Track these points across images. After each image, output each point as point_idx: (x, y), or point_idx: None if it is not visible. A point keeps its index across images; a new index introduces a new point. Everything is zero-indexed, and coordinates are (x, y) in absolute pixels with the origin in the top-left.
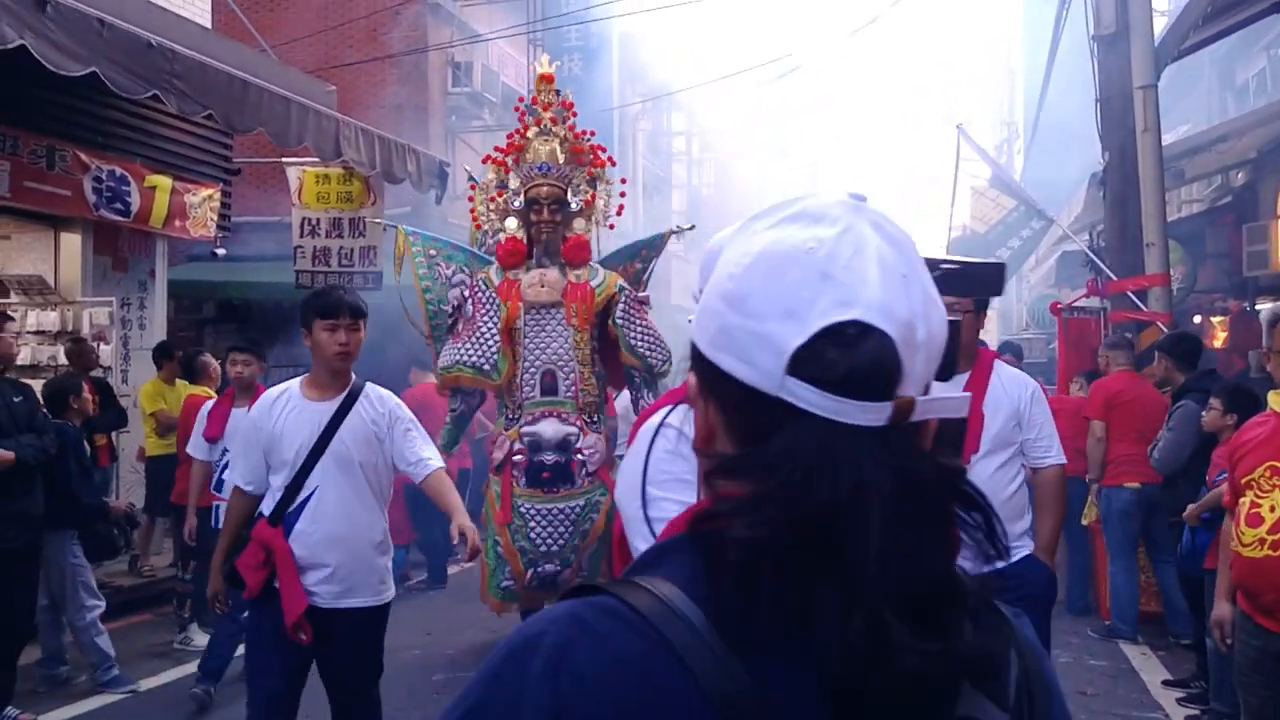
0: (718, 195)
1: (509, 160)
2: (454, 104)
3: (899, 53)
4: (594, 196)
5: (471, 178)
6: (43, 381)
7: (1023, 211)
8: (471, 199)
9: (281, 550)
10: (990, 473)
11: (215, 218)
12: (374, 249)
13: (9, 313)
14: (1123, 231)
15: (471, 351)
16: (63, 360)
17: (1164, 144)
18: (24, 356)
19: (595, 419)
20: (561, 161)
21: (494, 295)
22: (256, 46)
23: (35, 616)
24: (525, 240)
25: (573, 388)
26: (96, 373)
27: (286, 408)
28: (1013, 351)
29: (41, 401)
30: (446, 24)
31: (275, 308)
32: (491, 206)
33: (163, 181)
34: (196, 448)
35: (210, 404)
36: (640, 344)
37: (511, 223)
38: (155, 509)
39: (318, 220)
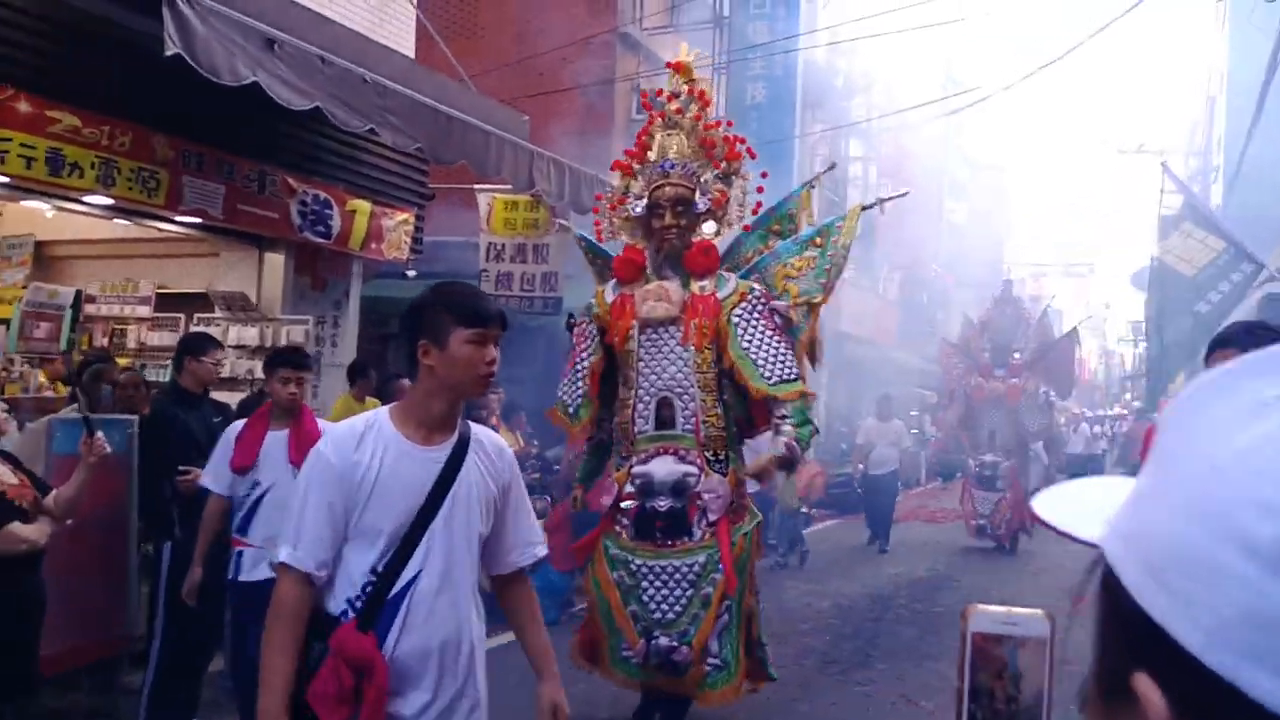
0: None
1: (634, 164)
2: (637, 129)
3: (1082, 81)
4: (725, 194)
5: (600, 187)
6: (240, 395)
7: (1232, 254)
8: (596, 210)
9: (381, 674)
10: None
11: (409, 241)
12: (555, 274)
13: (215, 338)
14: None
15: (567, 387)
16: (259, 375)
17: None
18: (224, 370)
19: (721, 457)
20: (688, 155)
21: (594, 325)
22: (456, 76)
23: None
24: (646, 250)
25: (692, 419)
26: None
27: (382, 453)
28: None
29: (238, 416)
30: (633, 52)
31: None
32: (615, 216)
33: (362, 205)
34: (217, 479)
35: (239, 426)
36: (751, 350)
37: (627, 230)
38: None
39: (503, 245)
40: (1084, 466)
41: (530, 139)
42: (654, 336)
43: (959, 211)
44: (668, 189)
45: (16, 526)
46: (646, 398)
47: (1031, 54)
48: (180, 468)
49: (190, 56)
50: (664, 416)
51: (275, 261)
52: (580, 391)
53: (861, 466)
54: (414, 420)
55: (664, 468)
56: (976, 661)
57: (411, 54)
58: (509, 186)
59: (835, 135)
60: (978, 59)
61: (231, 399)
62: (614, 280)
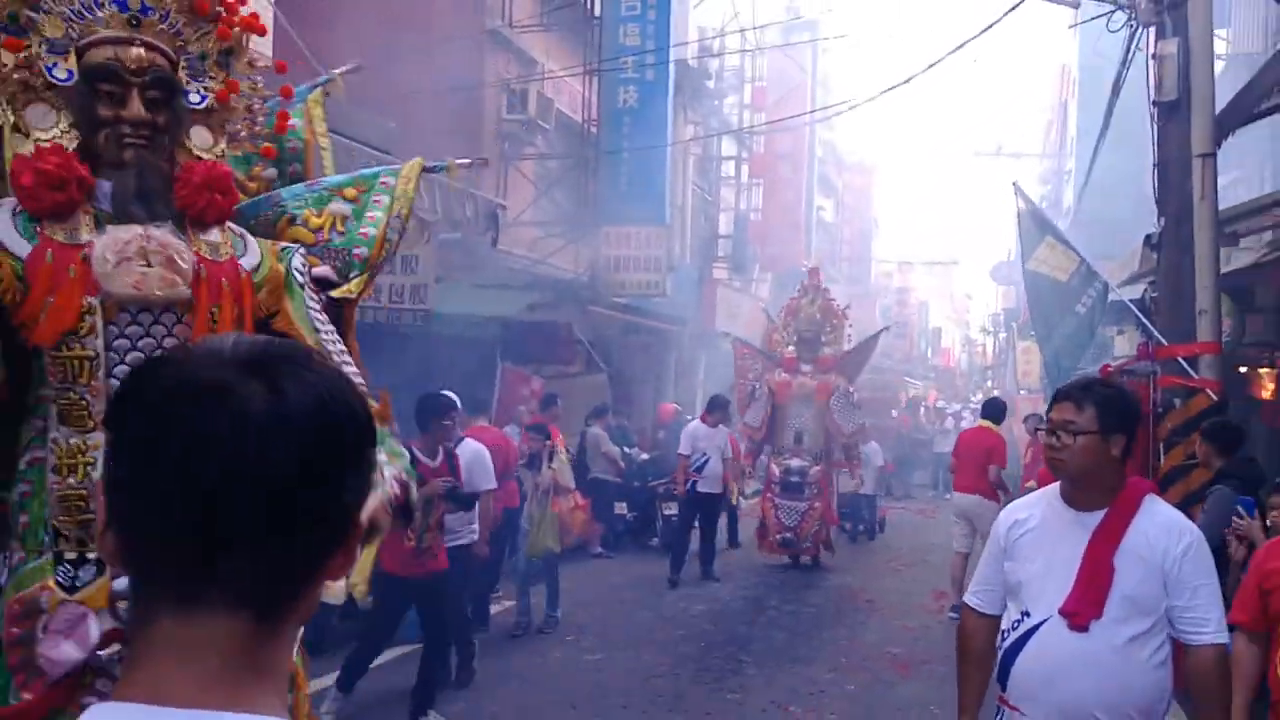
0: (765, 220)
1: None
2: (508, 130)
3: (946, 86)
4: (232, 86)
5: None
6: None
7: (1084, 273)
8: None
9: None
10: (1119, 645)
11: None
12: (425, 286)
13: None
14: (1176, 296)
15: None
16: None
17: (1219, 208)
18: None
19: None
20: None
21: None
22: (314, 76)
23: None
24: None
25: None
26: None
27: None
28: (995, 409)
29: None
30: (503, 50)
31: None
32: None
33: None
34: None
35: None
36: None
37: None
38: None
39: None
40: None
41: (396, 142)
42: (136, 326)
43: (828, 209)
44: (136, 50)
45: None
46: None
47: (897, 63)
48: None
49: None
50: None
51: None
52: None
53: (689, 483)
54: None
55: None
56: None
57: (269, 51)
58: None
59: (707, 131)
60: (846, 65)
61: None
62: (14, 208)
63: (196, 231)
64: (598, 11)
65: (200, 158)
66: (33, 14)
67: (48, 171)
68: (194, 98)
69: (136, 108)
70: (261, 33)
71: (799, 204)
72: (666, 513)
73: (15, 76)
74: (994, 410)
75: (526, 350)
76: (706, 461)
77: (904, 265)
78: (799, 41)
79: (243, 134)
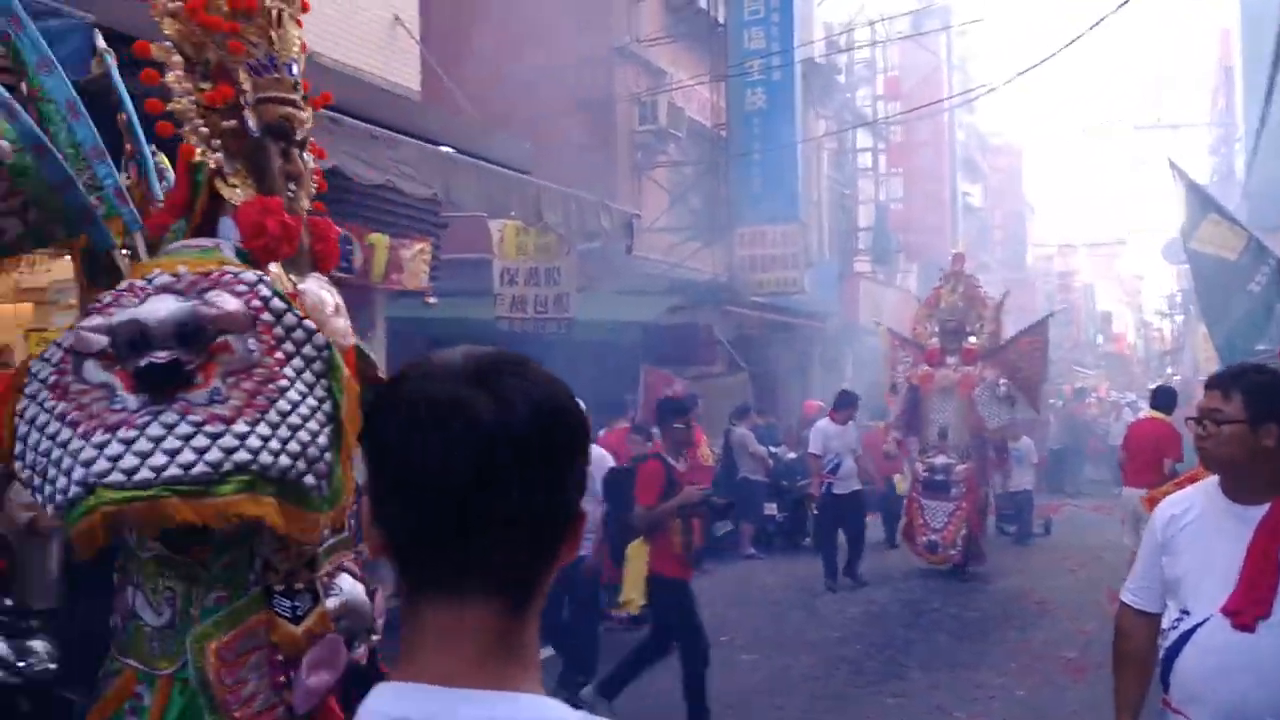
0: (906, 210)
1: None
2: (640, 141)
3: (1096, 61)
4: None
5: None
6: None
7: (1254, 249)
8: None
9: None
10: None
11: (427, 269)
12: (567, 295)
13: None
14: None
15: None
16: None
17: None
18: None
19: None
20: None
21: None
22: (458, 103)
23: None
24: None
25: None
26: None
27: None
28: (1165, 398)
29: None
30: (631, 64)
31: (478, 342)
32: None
33: (380, 239)
34: None
35: None
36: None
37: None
38: None
39: (516, 270)
40: None
41: (533, 161)
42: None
43: (975, 194)
44: (301, 112)
45: None
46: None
47: (1040, 38)
48: None
49: None
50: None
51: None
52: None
53: (824, 484)
54: None
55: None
56: None
57: (417, 85)
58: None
59: (840, 125)
60: (986, 48)
61: None
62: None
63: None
64: (722, 18)
65: (311, 213)
66: (231, 65)
67: (292, 227)
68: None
69: (300, 164)
70: (324, 101)
71: (942, 191)
72: (816, 512)
73: (224, 125)
74: (1164, 399)
75: (668, 353)
76: (839, 463)
77: (1065, 248)
78: (931, 30)
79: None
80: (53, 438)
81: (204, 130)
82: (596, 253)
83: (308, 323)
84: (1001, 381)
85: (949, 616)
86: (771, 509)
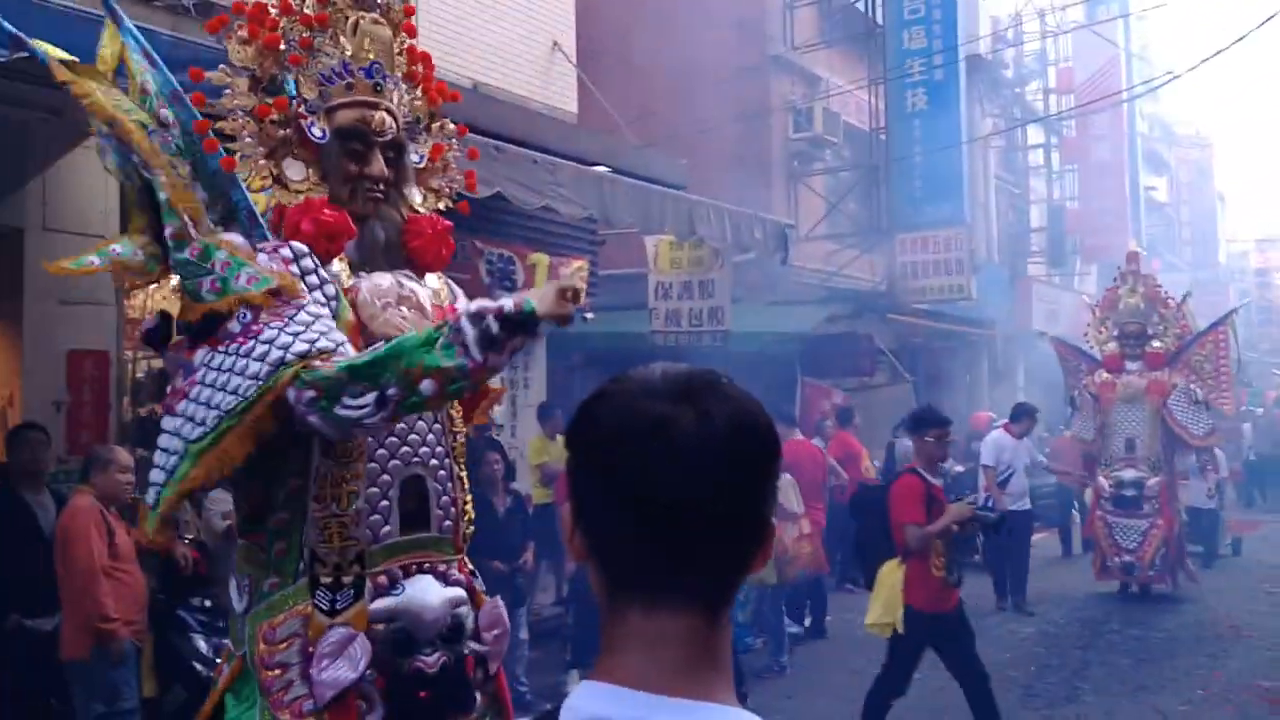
0: (1083, 208)
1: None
2: (795, 148)
3: None
4: (441, 149)
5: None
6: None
7: None
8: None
9: None
10: None
11: (585, 286)
12: (721, 308)
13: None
14: None
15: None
16: None
17: None
18: None
19: None
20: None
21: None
22: (614, 121)
23: None
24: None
25: (451, 509)
26: (492, 432)
27: None
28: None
29: None
30: (786, 72)
31: (634, 356)
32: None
33: (541, 259)
34: None
35: None
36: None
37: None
38: (540, 551)
39: (670, 284)
40: None
41: (689, 176)
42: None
43: (1160, 188)
44: (380, 114)
45: None
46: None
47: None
48: None
49: None
50: (421, 511)
51: None
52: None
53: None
54: None
55: (430, 595)
56: None
57: (574, 108)
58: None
59: (1008, 122)
60: (1167, 29)
61: None
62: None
63: (421, 279)
64: (880, 19)
65: (417, 212)
66: (293, 77)
67: (327, 222)
68: (414, 157)
69: (379, 165)
70: (455, 99)
71: (1122, 187)
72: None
73: (280, 134)
74: None
75: (825, 364)
76: (1010, 475)
77: (1263, 243)
78: (1107, 19)
79: (444, 189)
80: (164, 430)
81: (249, 140)
82: (752, 264)
83: (325, 272)
84: (1193, 385)
85: (1130, 639)
86: None
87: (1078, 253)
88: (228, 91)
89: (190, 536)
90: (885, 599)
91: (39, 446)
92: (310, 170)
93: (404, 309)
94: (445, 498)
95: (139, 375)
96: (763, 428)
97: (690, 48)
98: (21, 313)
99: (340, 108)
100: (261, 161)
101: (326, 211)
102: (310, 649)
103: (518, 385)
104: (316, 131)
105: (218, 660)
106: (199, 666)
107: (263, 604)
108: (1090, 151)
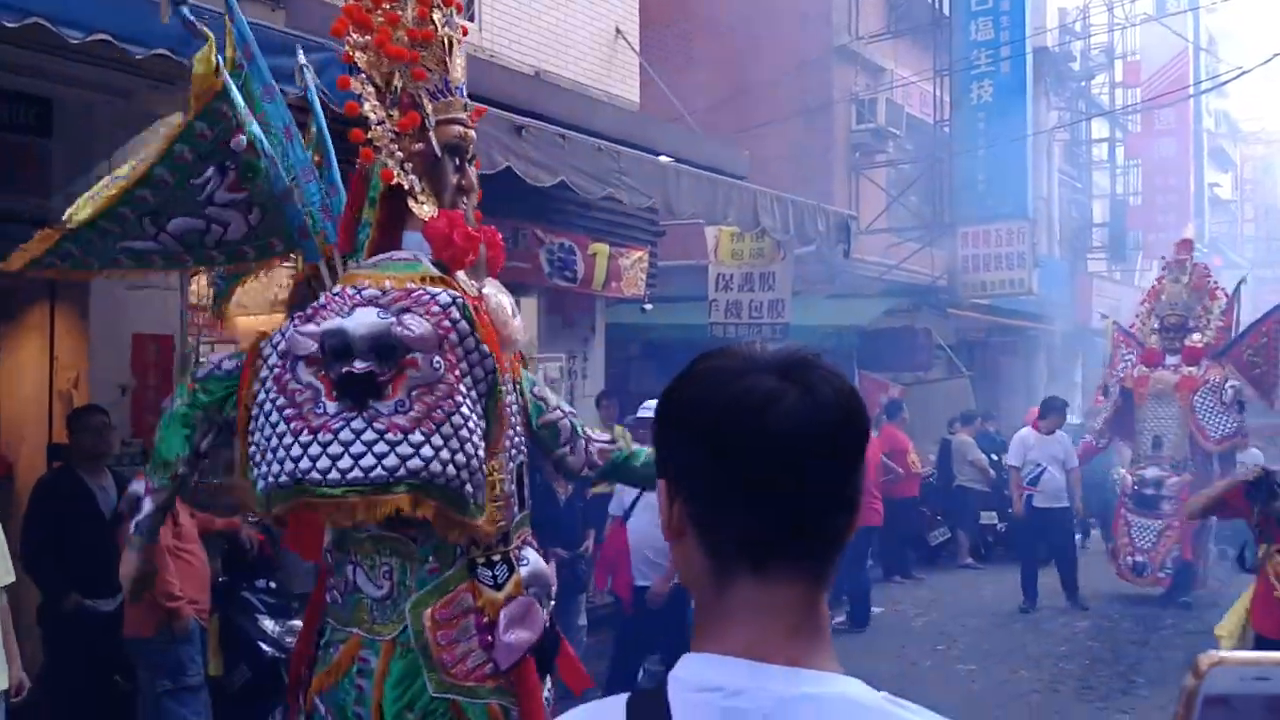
0: (1146, 204)
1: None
2: (857, 140)
3: None
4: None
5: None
6: None
7: None
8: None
9: None
10: None
11: (645, 276)
12: (782, 301)
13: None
14: None
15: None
16: None
17: None
18: None
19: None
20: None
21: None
22: (677, 112)
23: None
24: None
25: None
26: None
27: None
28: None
29: None
30: (850, 64)
31: (693, 348)
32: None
33: (602, 249)
34: None
35: None
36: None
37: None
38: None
39: (731, 275)
40: None
41: (751, 167)
42: (505, 373)
43: (1224, 185)
44: (471, 131)
45: None
46: (510, 466)
47: None
48: None
49: None
50: (522, 492)
51: (529, 305)
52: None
53: (1024, 497)
54: None
55: (543, 563)
56: None
57: (636, 97)
58: None
59: (1074, 116)
60: (1238, 22)
61: None
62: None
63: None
64: (946, 10)
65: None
66: (415, 92)
67: (476, 236)
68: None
69: (473, 178)
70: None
71: (1186, 183)
72: (1002, 527)
73: (415, 148)
74: None
75: (883, 357)
76: (1042, 472)
77: None
78: (1177, 12)
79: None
80: (273, 427)
81: (399, 155)
82: (812, 256)
83: (483, 347)
84: (1230, 384)
85: (1185, 634)
86: (991, 518)
87: (1140, 248)
88: (369, 104)
89: (255, 518)
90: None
91: (103, 429)
92: (424, 184)
93: (517, 319)
94: (528, 481)
95: (202, 359)
96: (859, 404)
97: (755, 38)
98: (88, 295)
99: (446, 123)
100: (413, 178)
101: (465, 224)
102: (484, 619)
103: (576, 376)
104: (436, 146)
105: (289, 640)
106: (264, 646)
107: (424, 589)
108: (1155, 146)
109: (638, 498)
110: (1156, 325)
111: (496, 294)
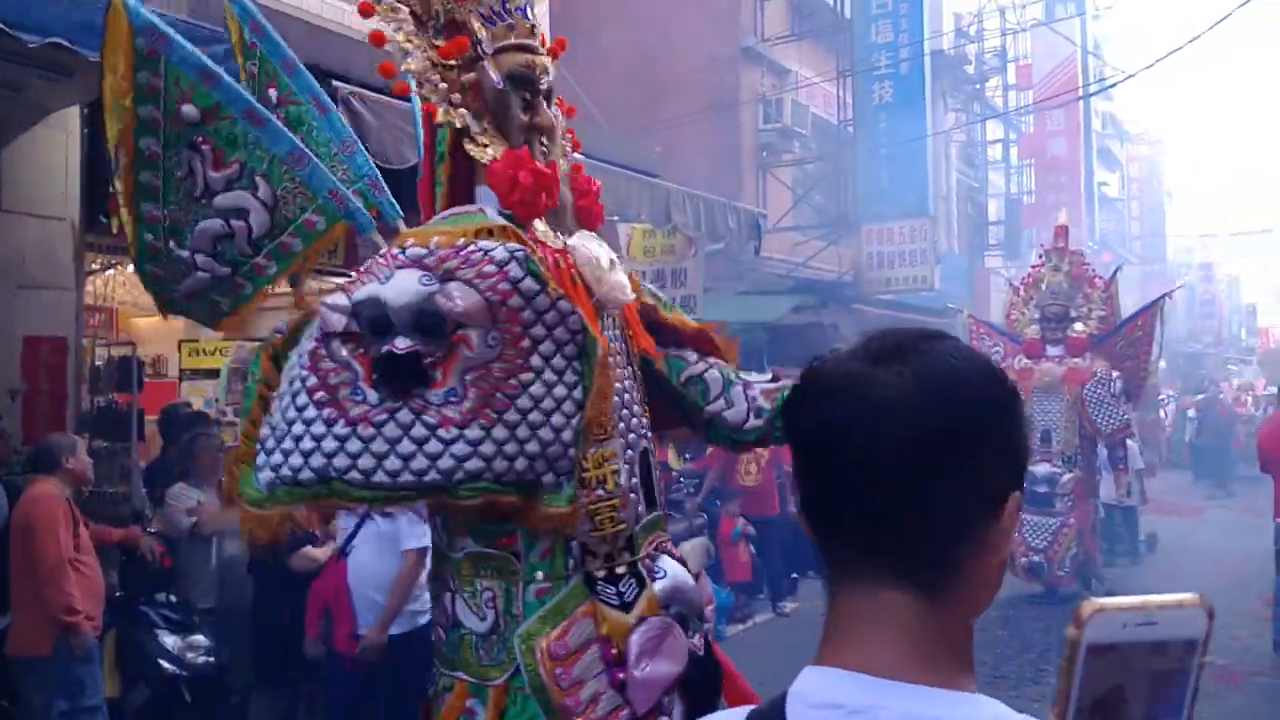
0: (1039, 202)
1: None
2: (764, 140)
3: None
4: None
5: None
6: None
7: None
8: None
9: None
10: None
11: None
12: (694, 297)
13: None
14: None
15: None
16: None
17: None
18: None
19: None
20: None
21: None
22: (587, 112)
23: None
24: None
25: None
26: None
27: None
28: None
29: None
30: (757, 64)
31: None
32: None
33: None
34: None
35: None
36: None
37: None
38: None
39: (643, 272)
40: None
41: (661, 164)
42: (612, 340)
43: (1112, 184)
44: (543, 59)
45: (308, 549)
46: (630, 454)
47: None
48: None
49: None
50: (649, 486)
51: None
52: None
53: None
54: None
55: (684, 574)
56: (1089, 684)
57: None
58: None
59: (969, 117)
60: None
61: None
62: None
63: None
64: (848, 13)
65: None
66: (462, 16)
67: (546, 175)
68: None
69: (548, 116)
70: (562, 48)
71: (1076, 182)
72: None
73: (464, 79)
74: None
75: (793, 353)
76: None
77: (1206, 238)
78: (1065, 18)
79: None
80: (299, 410)
81: (443, 87)
82: (720, 253)
83: (563, 303)
84: (1115, 375)
85: None
86: None
87: (1034, 245)
88: (403, 32)
89: (155, 529)
90: None
91: None
92: (485, 123)
93: (616, 272)
94: (658, 471)
95: (97, 363)
96: (975, 388)
97: (663, 37)
98: None
99: (506, 50)
100: (461, 111)
101: (537, 164)
102: (612, 650)
103: None
104: (495, 76)
105: (186, 656)
106: (164, 663)
107: (533, 617)
108: (1046, 147)
109: (359, 525)
110: (1037, 315)
111: (585, 244)
